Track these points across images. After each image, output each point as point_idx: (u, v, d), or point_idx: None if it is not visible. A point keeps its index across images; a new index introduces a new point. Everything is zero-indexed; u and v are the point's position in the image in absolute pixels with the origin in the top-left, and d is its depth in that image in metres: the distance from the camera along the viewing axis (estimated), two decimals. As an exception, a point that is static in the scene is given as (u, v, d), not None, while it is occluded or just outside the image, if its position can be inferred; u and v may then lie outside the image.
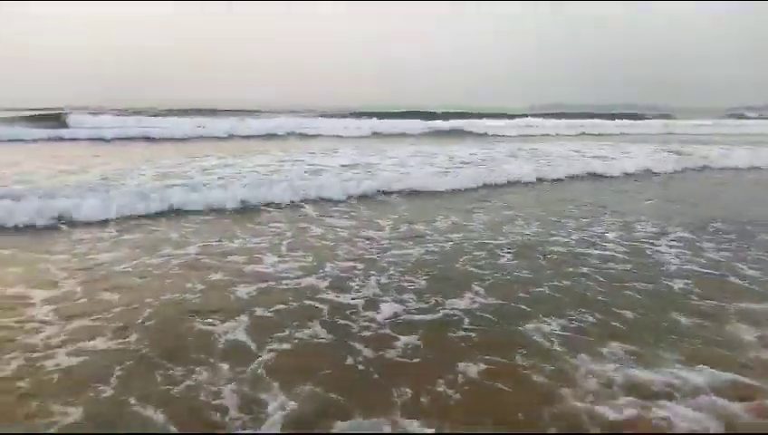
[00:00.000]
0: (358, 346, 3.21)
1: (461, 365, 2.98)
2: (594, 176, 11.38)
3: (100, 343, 3.21)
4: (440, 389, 2.75)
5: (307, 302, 3.91)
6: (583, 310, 3.79)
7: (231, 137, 19.37)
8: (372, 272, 4.59)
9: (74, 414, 2.50)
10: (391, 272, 4.61)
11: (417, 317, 3.64)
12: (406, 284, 4.30)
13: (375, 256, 5.08)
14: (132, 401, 2.62)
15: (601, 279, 4.48)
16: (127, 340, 3.25)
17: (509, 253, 5.24)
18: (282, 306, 3.80)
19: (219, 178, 9.15)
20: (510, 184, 9.97)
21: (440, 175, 9.96)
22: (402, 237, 5.89)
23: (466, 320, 3.59)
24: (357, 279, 4.40)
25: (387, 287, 4.23)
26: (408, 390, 2.73)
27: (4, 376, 2.83)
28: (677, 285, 4.38)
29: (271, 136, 20.34)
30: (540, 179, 10.51)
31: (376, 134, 22.47)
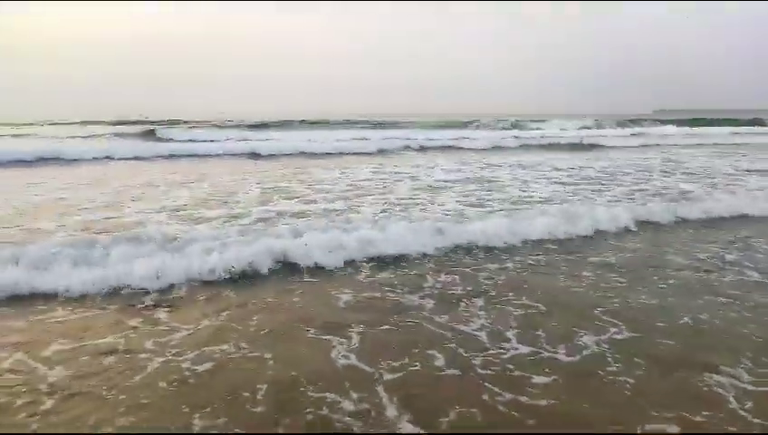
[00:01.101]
0: (490, 385, 2.82)
1: (633, 419, 2.51)
2: None
3: (219, 349, 3.16)
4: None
5: (411, 321, 3.62)
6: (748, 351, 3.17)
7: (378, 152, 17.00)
8: (478, 290, 4.24)
9: (227, 425, 2.41)
10: (496, 292, 4.22)
11: (550, 354, 3.18)
12: (517, 308, 3.88)
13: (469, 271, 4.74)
14: (284, 423, 2.45)
15: (747, 314, 3.84)
16: (245, 348, 3.19)
17: (619, 274, 4.68)
18: (388, 327, 3.51)
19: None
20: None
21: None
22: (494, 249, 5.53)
23: (610, 361, 3.09)
24: (465, 300, 4.00)
25: (498, 310, 3.83)
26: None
27: (144, 379, 2.80)
28: None
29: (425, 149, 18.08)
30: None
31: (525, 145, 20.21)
